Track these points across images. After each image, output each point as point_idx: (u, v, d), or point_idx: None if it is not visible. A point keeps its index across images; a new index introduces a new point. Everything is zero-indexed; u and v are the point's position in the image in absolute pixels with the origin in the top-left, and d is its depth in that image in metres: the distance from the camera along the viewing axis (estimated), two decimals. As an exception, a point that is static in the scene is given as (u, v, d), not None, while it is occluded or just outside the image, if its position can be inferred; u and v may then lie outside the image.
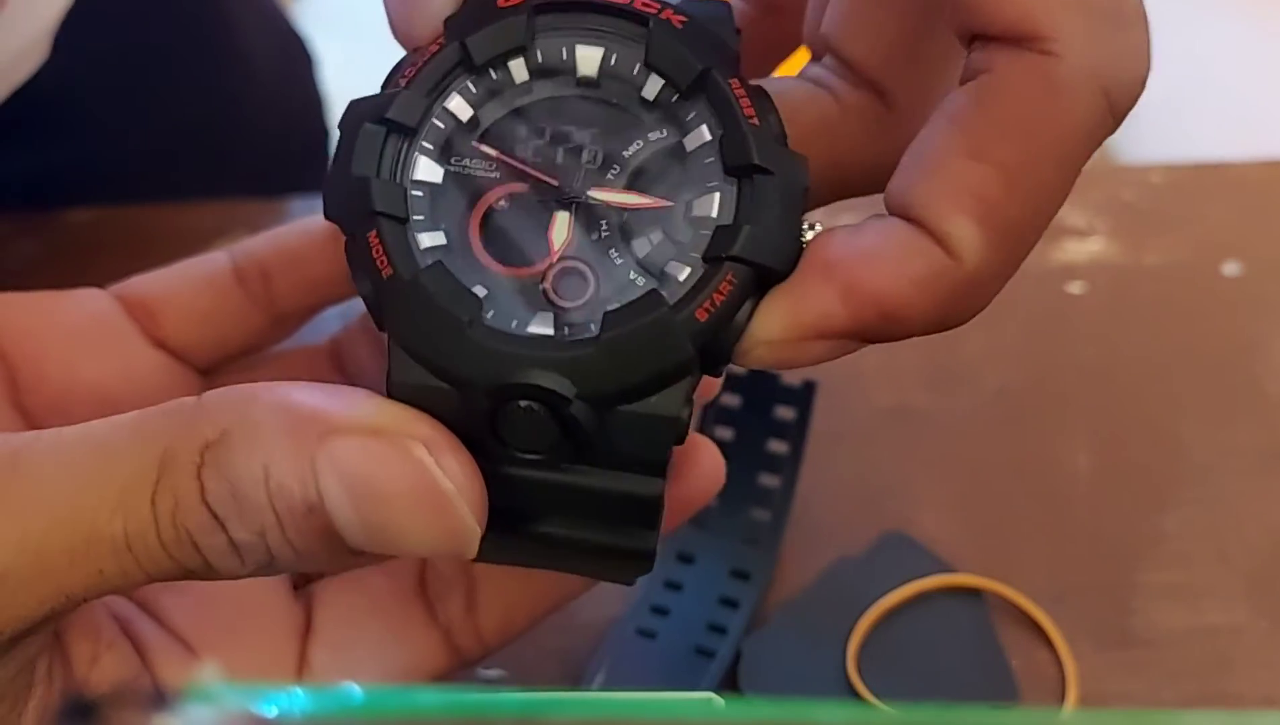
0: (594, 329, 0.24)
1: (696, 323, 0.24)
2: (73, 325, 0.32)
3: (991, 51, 0.24)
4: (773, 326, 0.25)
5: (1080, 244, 0.49)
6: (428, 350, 0.24)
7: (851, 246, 0.25)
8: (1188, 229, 0.49)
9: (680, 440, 0.25)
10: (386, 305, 0.25)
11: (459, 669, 0.31)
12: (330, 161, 0.26)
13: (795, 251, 0.25)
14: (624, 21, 0.26)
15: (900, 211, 0.25)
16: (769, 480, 0.40)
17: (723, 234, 0.25)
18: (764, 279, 0.25)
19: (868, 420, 0.43)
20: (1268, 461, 0.42)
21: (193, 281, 0.33)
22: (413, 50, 0.26)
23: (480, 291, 0.25)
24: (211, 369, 0.33)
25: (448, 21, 0.26)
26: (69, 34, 0.49)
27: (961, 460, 0.42)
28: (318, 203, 0.26)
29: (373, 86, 0.27)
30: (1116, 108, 0.25)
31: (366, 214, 0.25)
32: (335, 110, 0.71)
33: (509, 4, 0.26)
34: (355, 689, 0.18)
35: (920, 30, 0.28)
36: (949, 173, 0.24)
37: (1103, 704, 0.36)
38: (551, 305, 0.25)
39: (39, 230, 0.49)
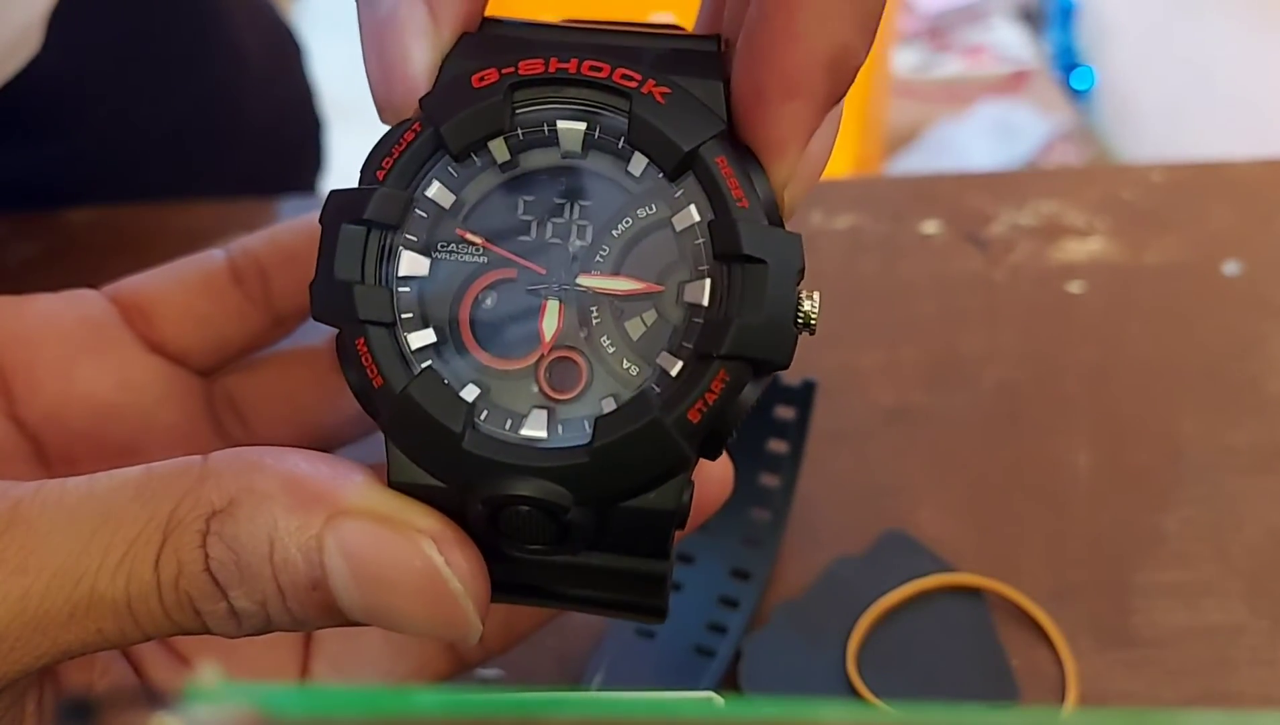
0: (588, 429, 0.24)
1: (690, 424, 0.24)
2: (67, 331, 0.31)
3: None
4: (784, 167, 0.25)
5: (1080, 243, 0.49)
6: (423, 458, 0.24)
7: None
8: (1188, 229, 0.49)
9: (681, 525, 0.25)
10: (379, 411, 0.24)
11: (460, 673, 0.31)
12: (317, 260, 0.25)
13: (789, 340, 0.24)
14: (606, 94, 0.25)
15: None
16: (769, 480, 0.40)
17: (713, 329, 0.24)
18: (760, 368, 0.24)
19: (868, 420, 0.43)
20: (1268, 461, 0.42)
21: (189, 282, 0.32)
22: (389, 131, 0.25)
23: (472, 392, 0.24)
24: (210, 371, 0.33)
25: (423, 101, 0.25)
26: (61, 27, 0.49)
27: (961, 460, 0.42)
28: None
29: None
30: None
31: (352, 321, 0.24)
32: (336, 109, 0.71)
33: (484, 82, 0.25)
34: (354, 689, 0.18)
35: None
36: None
37: (1103, 703, 0.36)
38: (545, 398, 0.24)
39: (38, 230, 0.49)
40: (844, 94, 0.25)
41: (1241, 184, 0.52)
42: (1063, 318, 0.46)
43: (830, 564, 0.39)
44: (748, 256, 0.24)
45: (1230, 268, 0.48)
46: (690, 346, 0.24)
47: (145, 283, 0.32)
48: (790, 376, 0.39)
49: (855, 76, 0.24)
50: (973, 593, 0.38)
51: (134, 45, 0.55)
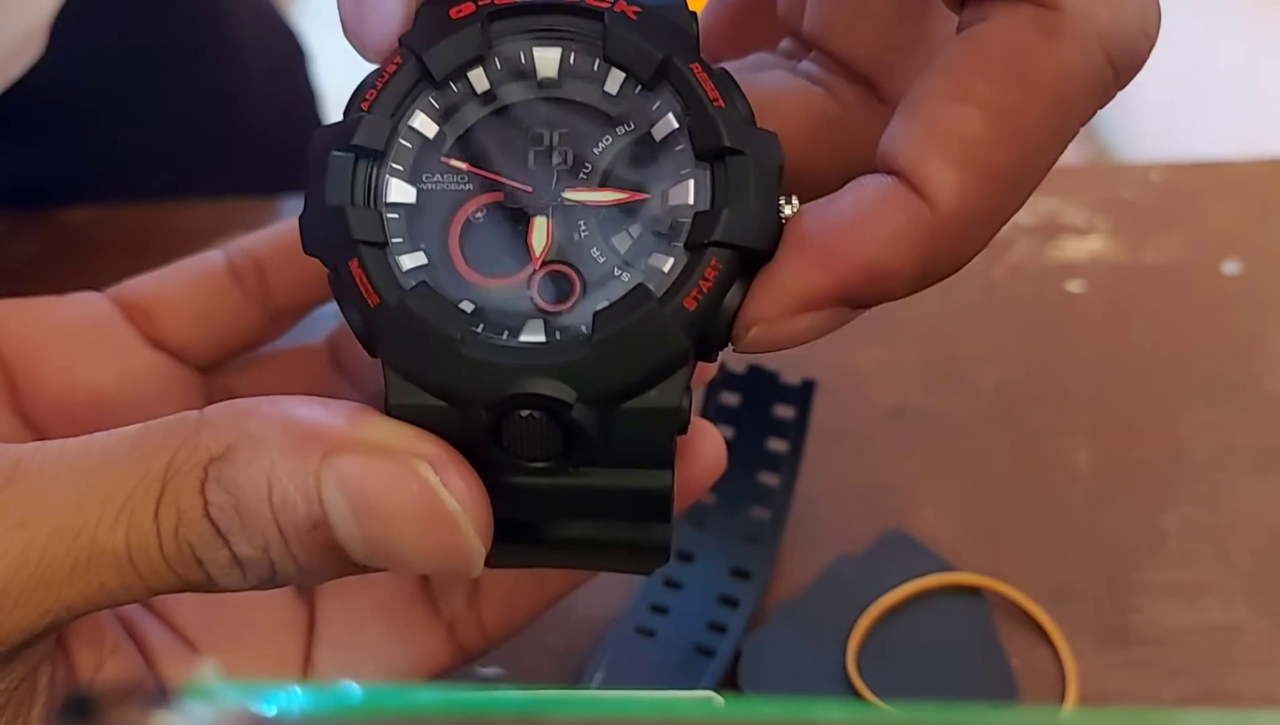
0: (585, 330, 0.24)
1: (686, 312, 0.24)
2: (70, 329, 0.32)
3: (986, 5, 0.24)
4: (761, 306, 0.25)
5: (1080, 242, 0.49)
6: (423, 371, 0.24)
7: (827, 213, 0.24)
8: (1188, 228, 0.49)
9: (683, 429, 0.25)
10: (377, 332, 0.25)
11: (462, 663, 0.31)
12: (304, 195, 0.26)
13: (776, 229, 0.25)
14: (579, 19, 0.26)
15: (884, 164, 0.24)
16: (769, 479, 0.40)
17: (702, 220, 0.25)
18: (748, 260, 0.25)
19: (868, 419, 0.43)
20: (1268, 461, 0.42)
21: (188, 281, 0.33)
22: (371, 71, 0.26)
23: (467, 307, 0.25)
24: (210, 367, 0.33)
25: (403, 39, 0.26)
26: (64, 30, 0.49)
27: (961, 459, 0.42)
28: None
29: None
30: (1117, 62, 0.24)
31: (346, 243, 0.25)
32: (333, 105, 0.71)
33: (461, 14, 0.26)
34: (354, 688, 0.18)
35: (907, 18, 0.28)
36: (928, 116, 0.24)
37: (1103, 703, 0.36)
38: (540, 311, 0.25)
39: (38, 230, 0.49)
40: (861, 304, 0.25)
41: (1241, 183, 0.52)
42: (1062, 317, 0.46)
43: (830, 563, 0.39)
44: (729, 149, 0.25)
45: (1230, 267, 0.48)
46: (679, 244, 0.25)
47: (145, 283, 0.33)
48: (790, 376, 0.39)
49: (882, 300, 0.25)
50: (973, 592, 0.38)
51: (137, 48, 0.55)
